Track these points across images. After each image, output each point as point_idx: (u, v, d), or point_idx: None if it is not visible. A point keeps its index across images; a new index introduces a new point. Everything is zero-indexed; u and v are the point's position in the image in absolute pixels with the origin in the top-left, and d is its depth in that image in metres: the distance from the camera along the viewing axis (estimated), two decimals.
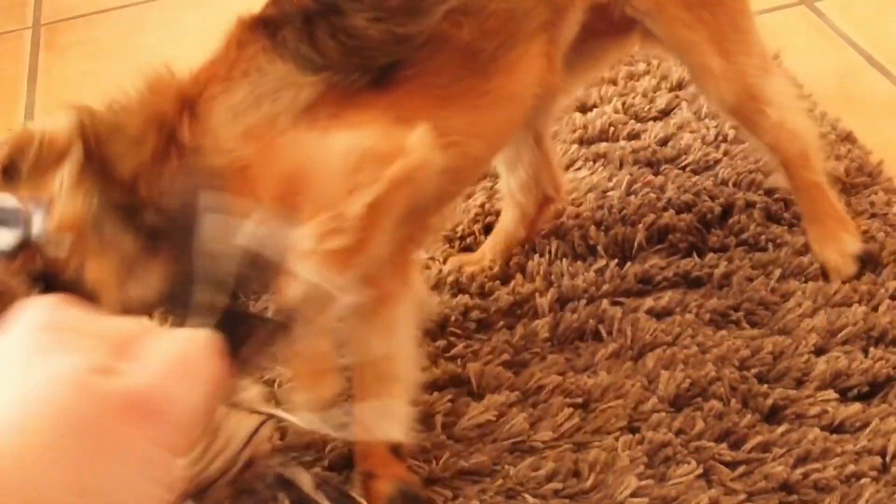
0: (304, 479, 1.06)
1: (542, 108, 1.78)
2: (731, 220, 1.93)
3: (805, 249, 1.86)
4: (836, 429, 1.57)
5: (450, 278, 1.90)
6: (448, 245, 2.00)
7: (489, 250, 1.95)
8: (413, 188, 1.39)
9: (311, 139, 1.37)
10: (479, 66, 1.47)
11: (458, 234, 2.02)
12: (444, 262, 1.95)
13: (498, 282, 1.89)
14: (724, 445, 1.56)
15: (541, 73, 1.54)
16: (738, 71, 1.68)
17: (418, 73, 1.43)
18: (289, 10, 1.44)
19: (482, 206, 2.05)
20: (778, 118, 1.73)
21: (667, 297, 1.80)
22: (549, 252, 1.93)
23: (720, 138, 2.14)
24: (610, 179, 2.06)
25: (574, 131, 2.21)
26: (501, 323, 1.82)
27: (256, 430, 0.98)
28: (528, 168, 1.89)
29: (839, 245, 1.81)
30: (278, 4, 1.47)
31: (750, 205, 1.95)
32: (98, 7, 3.12)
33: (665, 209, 1.97)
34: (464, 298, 1.86)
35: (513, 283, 1.88)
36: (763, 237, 1.89)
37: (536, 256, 1.92)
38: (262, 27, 1.44)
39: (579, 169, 2.11)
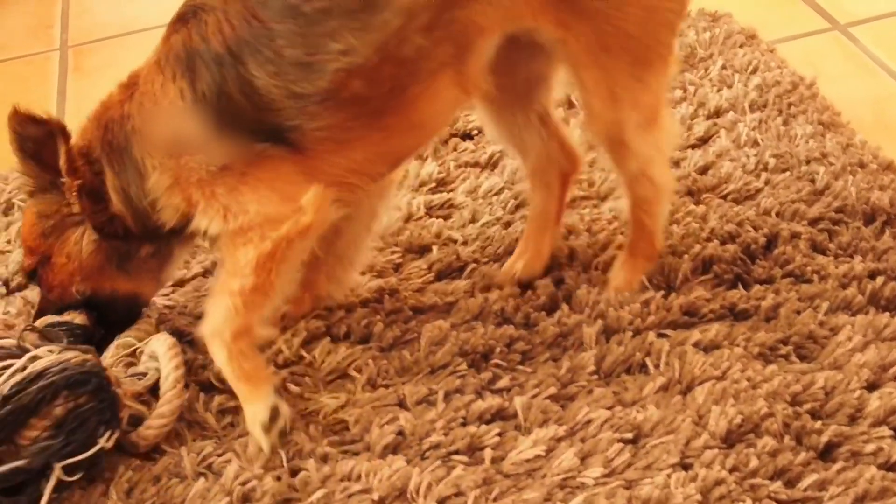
0: None
1: (536, 92, 1.87)
2: (775, 252, 1.92)
3: (850, 281, 1.84)
4: (893, 467, 1.55)
5: (495, 307, 1.88)
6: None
7: (531, 241, 1.99)
8: (303, 241, 1.66)
9: (220, 192, 1.62)
10: (370, 111, 1.62)
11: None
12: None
13: (543, 312, 1.88)
14: (779, 483, 1.54)
15: (452, 99, 1.67)
16: (617, 121, 1.71)
17: (319, 126, 1.60)
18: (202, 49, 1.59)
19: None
20: (638, 168, 1.78)
21: (714, 330, 1.78)
22: (593, 282, 1.91)
23: (760, 167, 2.13)
24: None
25: None
26: (546, 355, 1.80)
27: None
28: (539, 150, 1.93)
29: (633, 274, 1.89)
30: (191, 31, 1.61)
31: (794, 235, 1.94)
32: (124, 29, 3.11)
33: (709, 239, 1.95)
34: (508, 329, 1.84)
35: (557, 313, 1.86)
36: (809, 269, 1.88)
37: (584, 285, 1.90)
38: (181, 59, 1.61)
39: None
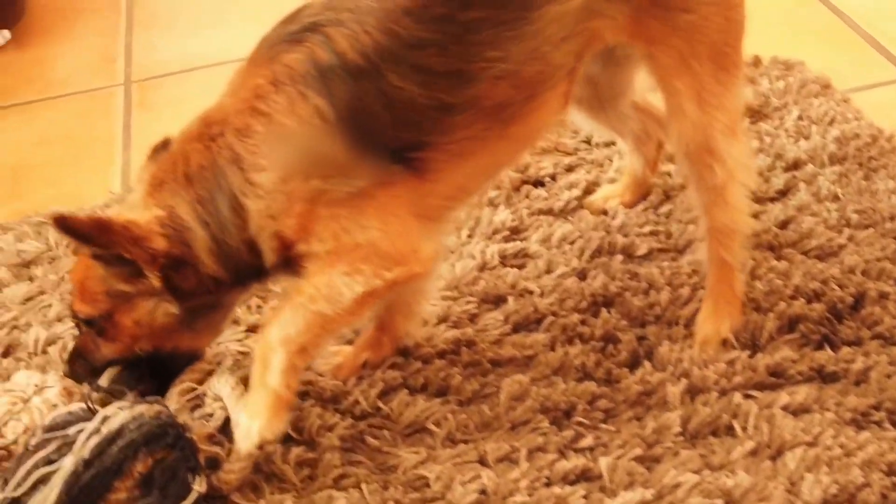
0: None
1: (620, 92, 2.03)
2: (863, 312, 1.88)
3: None
4: None
5: (576, 362, 1.86)
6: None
7: (621, 187, 2.23)
8: (407, 287, 1.69)
9: (344, 213, 1.57)
10: (503, 118, 1.63)
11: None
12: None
13: (625, 368, 1.85)
14: None
15: (557, 110, 1.73)
16: (707, 122, 1.76)
17: (451, 139, 1.60)
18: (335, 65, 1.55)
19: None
20: (721, 180, 1.79)
21: (803, 393, 1.75)
22: (674, 338, 1.88)
23: (843, 222, 2.09)
24: None
25: (689, 211, 2.16)
26: (630, 413, 1.77)
27: None
28: (636, 131, 2.11)
29: (719, 324, 1.88)
30: (324, 50, 1.55)
31: (882, 296, 1.90)
32: (188, 65, 3.11)
33: (793, 297, 1.92)
34: (590, 385, 1.81)
35: (640, 370, 1.83)
36: None
37: (666, 342, 1.87)
38: (309, 76, 1.54)
39: (699, 250, 2.06)
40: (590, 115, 2.07)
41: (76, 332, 1.80)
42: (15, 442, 1.72)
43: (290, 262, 1.65)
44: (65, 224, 1.55)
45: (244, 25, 3.26)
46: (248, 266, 1.65)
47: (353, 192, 1.58)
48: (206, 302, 1.69)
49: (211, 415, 1.76)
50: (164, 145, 1.75)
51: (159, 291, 1.63)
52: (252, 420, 1.63)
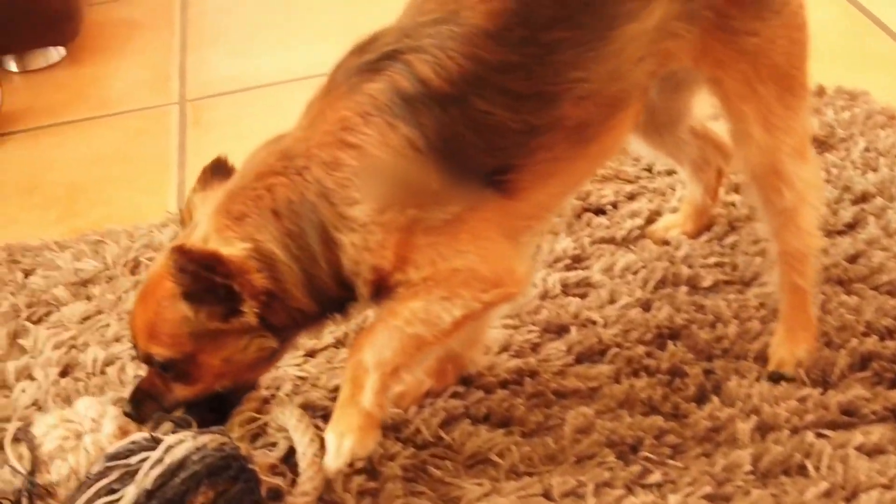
0: None
1: (680, 115, 2.02)
2: None
3: None
4: None
5: (642, 395, 1.82)
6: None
7: (682, 217, 2.20)
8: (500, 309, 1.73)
9: (441, 241, 1.57)
10: (584, 138, 1.64)
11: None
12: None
13: (693, 403, 1.81)
14: None
15: (630, 128, 1.75)
16: (774, 145, 1.74)
17: (536, 160, 1.60)
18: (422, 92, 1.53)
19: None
20: (791, 203, 1.77)
21: (877, 434, 1.70)
22: (742, 372, 1.84)
23: None
24: None
25: (755, 242, 2.13)
26: (698, 450, 1.73)
27: None
28: (695, 157, 2.09)
29: (794, 348, 1.86)
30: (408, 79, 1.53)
31: None
32: (243, 85, 3.12)
33: (866, 334, 1.88)
34: (657, 420, 1.78)
35: (708, 406, 1.80)
36: None
37: (734, 377, 1.83)
38: (395, 105, 1.53)
39: (766, 283, 2.02)
40: (647, 141, 2.05)
41: (138, 365, 1.77)
42: (57, 483, 1.69)
43: (380, 292, 1.63)
44: (187, 255, 1.51)
45: (299, 46, 3.26)
46: (336, 298, 1.64)
47: (447, 219, 1.57)
48: (292, 335, 1.68)
49: (274, 444, 1.74)
50: (217, 167, 1.73)
51: (255, 328, 1.60)
52: (343, 438, 1.59)
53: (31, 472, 1.66)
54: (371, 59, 1.57)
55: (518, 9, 1.55)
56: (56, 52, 3.35)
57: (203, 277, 1.53)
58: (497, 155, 1.58)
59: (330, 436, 1.60)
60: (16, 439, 1.72)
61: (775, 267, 1.86)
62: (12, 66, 3.32)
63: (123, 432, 1.70)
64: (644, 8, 1.60)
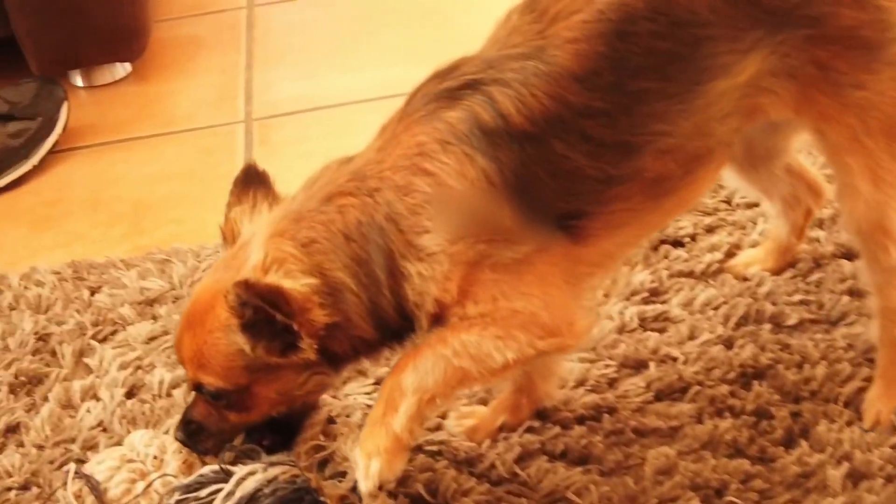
0: None
1: (777, 154, 1.96)
2: None
3: None
4: None
5: (726, 437, 1.76)
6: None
7: (763, 252, 2.13)
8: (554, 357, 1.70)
9: (506, 279, 1.52)
10: (661, 191, 1.59)
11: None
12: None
13: (781, 447, 1.74)
14: None
15: (711, 183, 1.73)
16: (882, 200, 1.67)
17: (610, 210, 1.56)
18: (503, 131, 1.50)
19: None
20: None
21: None
22: (832, 416, 1.77)
23: None
24: None
25: (842, 280, 2.06)
26: (787, 496, 1.67)
27: None
28: (785, 194, 2.03)
29: (892, 404, 1.78)
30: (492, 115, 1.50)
31: None
32: (310, 105, 3.09)
33: None
34: (742, 463, 1.72)
35: (797, 450, 1.73)
36: None
37: (823, 421, 1.76)
38: (473, 137, 1.49)
39: (853, 322, 1.95)
40: (740, 173, 1.99)
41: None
42: None
43: (437, 323, 1.58)
44: (252, 289, 1.46)
45: (366, 67, 3.23)
46: (396, 329, 1.59)
47: (515, 258, 1.53)
48: (350, 363, 1.63)
49: (343, 474, 1.69)
50: (249, 176, 1.69)
51: (313, 363, 1.56)
52: (371, 459, 1.54)
53: None
54: (452, 86, 1.53)
55: (607, 53, 1.51)
56: (122, 68, 3.34)
57: (265, 313, 1.48)
58: (570, 200, 1.54)
59: (358, 454, 1.55)
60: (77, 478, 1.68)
61: (874, 320, 1.79)
62: (78, 81, 3.31)
63: (188, 466, 1.66)
64: (737, 63, 1.55)
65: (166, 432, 1.81)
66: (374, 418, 1.56)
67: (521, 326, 1.54)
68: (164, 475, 1.64)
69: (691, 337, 1.99)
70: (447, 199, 1.51)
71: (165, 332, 2.19)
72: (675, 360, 1.95)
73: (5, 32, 3.17)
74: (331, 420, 1.82)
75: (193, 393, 1.66)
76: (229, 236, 1.67)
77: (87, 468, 1.68)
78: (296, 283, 1.50)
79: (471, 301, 1.53)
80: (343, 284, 1.52)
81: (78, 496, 1.65)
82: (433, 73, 1.58)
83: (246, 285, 1.46)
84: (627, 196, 1.56)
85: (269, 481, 1.54)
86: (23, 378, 2.10)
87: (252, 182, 1.69)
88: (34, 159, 2.87)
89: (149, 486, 1.64)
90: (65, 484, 1.76)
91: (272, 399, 1.60)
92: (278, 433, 1.69)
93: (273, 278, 1.51)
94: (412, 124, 1.54)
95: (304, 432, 1.72)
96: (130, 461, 1.68)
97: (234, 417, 1.63)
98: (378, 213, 1.52)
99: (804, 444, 1.74)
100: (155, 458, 1.69)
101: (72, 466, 1.71)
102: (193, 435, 1.65)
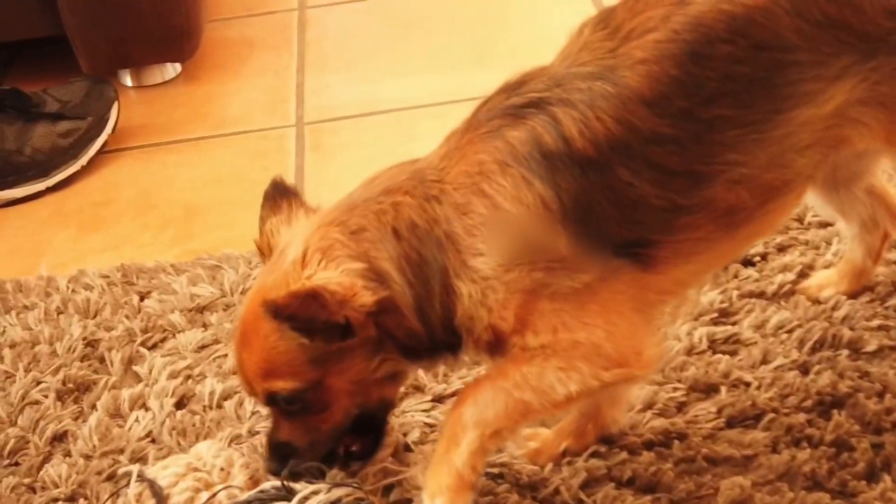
0: None
1: (859, 177, 1.86)
2: None
3: None
4: None
5: (804, 468, 1.67)
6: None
7: (837, 275, 2.02)
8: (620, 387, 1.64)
9: (566, 308, 1.46)
10: (733, 222, 1.52)
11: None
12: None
13: (862, 480, 1.66)
14: None
15: (788, 213, 1.67)
16: None
17: (678, 239, 1.50)
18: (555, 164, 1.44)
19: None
20: None
21: None
22: None
23: None
24: None
25: None
26: None
27: None
28: (864, 217, 1.92)
29: None
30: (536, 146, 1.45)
31: None
32: (363, 110, 3.02)
33: None
34: (822, 497, 1.63)
35: (880, 485, 1.64)
36: None
37: None
38: (533, 160, 1.44)
39: None
40: (816, 191, 1.89)
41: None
42: None
43: (494, 349, 1.53)
44: (281, 309, 1.42)
45: (420, 73, 3.17)
46: (442, 338, 1.54)
47: (575, 287, 1.46)
48: (413, 354, 1.57)
49: (409, 501, 1.63)
50: (278, 189, 1.64)
51: (378, 345, 1.51)
52: (435, 499, 1.50)
53: None
54: (517, 103, 1.49)
55: (680, 77, 1.45)
56: (172, 69, 3.29)
57: (306, 321, 1.44)
58: (633, 228, 1.48)
59: (423, 495, 1.52)
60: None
61: None
62: (128, 80, 3.27)
63: (255, 482, 1.60)
64: (823, 91, 1.48)
65: (231, 442, 1.74)
66: (437, 456, 1.53)
67: (583, 358, 1.48)
68: (230, 486, 1.59)
69: (764, 361, 1.91)
70: (502, 223, 1.46)
71: (216, 341, 2.13)
72: (747, 385, 1.86)
73: (56, 31, 3.13)
74: (407, 447, 1.78)
75: (270, 417, 1.61)
76: (266, 250, 1.61)
77: (150, 472, 1.64)
78: (335, 273, 1.45)
79: (530, 331, 1.48)
80: (388, 275, 1.48)
81: (138, 500, 1.59)
82: (501, 86, 1.54)
83: (276, 306, 1.42)
84: (697, 226, 1.50)
85: (333, 503, 1.48)
86: (70, 385, 2.05)
87: (281, 194, 1.64)
88: (83, 159, 2.82)
89: (213, 496, 1.58)
90: (114, 495, 1.72)
91: (348, 390, 1.54)
92: (364, 436, 1.63)
93: (311, 270, 1.46)
94: (476, 139, 1.50)
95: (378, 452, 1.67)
96: (196, 470, 1.63)
97: (318, 423, 1.56)
98: (437, 226, 1.48)
99: (887, 478, 1.65)
100: (222, 469, 1.64)
101: (135, 468, 1.66)
102: (285, 459, 1.57)
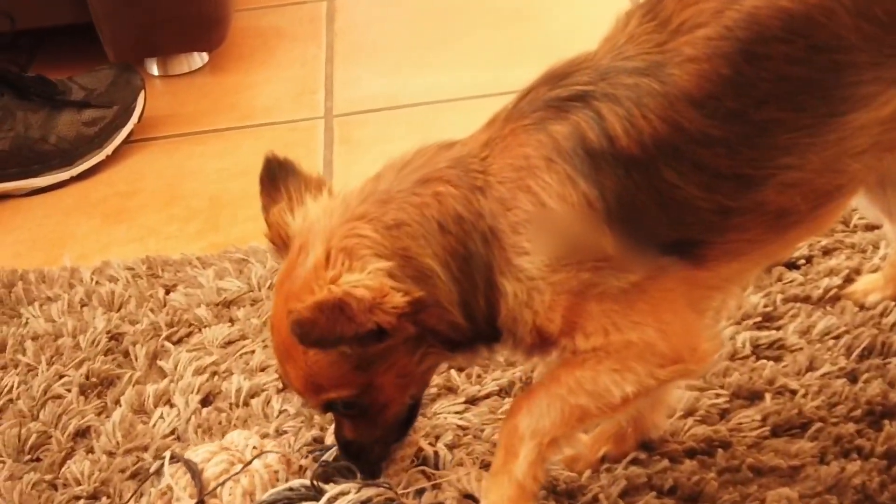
0: None
1: None
2: None
3: None
4: None
5: (854, 481, 1.61)
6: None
7: (883, 279, 1.96)
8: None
9: (616, 308, 1.41)
10: (783, 225, 1.47)
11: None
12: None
13: None
14: None
15: (840, 212, 1.60)
16: None
17: (726, 240, 1.45)
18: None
19: None
20: None
21: None
22: None
23: None
24: None
25: None
26: None
27: None
28: None
29: None
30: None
31: None
32: (393, 103, 2.97)
33: None
34: None
35: None
36: None
37: None
38: (576, 157, 1.38)
39: None
40: (866, 192, 1.82)
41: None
42: None
43: (540, 350, 1.48)
44: (303, 334, 1.34)
45: (450, 67, 3.11)
46: (486, 332, 1.47)
47: (624, 287, 1.41)
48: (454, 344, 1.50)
49: None
50: (272, 168, 1.55)
51: (418, 339, 1.44)
52: None
53: (200, 501, 1.53)
54: (561, 95, 1.42)
55: (732, 77, 1.38)
56: (199, 58, 3.24)
57: (334, 340, 1.36)
58: (680, 229, 1.43)
59: None
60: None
61: None
62: (154, 69, 3.22)
63: (287, 460, 1.56)
64: (881, 93, 1.41)
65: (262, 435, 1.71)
66: (495, 468, 1.48)
67: (638, 357, 1.43)
68: (267, 452, 1.58)
69: (810, 368, 1.84)
70: (547, 221, 1.40)
71: (243, 337, 2.08)
72: (793, 392, 1.80)
73: (83, 18, 3.09)
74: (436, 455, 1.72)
75: (333, 419, 1.59)
76: (279, 241, 1.53)
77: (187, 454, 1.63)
78: (361, 275, 1.37)
79: (580, 334, 1.43)
80: (432, 272, 1.41)
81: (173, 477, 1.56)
82: (545, 76, 1.47)
83: (301, 330, 1.33)
84: (746, 228, 1.45)
85: (363, 503, 1.43)
86: (94, 379, 2.00)
87: (278, 175, 1.55)
88: (108, 149, 2.78)
89: (248, 464, 1.56)
90: (136, 494, 1.68)
91: (399, 384, 1.49)
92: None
93: (334, 272, 1.37)
94: (519, 130, 1.44)
95: (399, 461, 1.62)
96: (228, 449, 1.62)
97: (378, 418, 1.52)
98: (483, 220, 1.42)
99: None
100: (254, 447, 1.61)
101: (168, 453, 1.63)
102: (359, 456, 1.55)
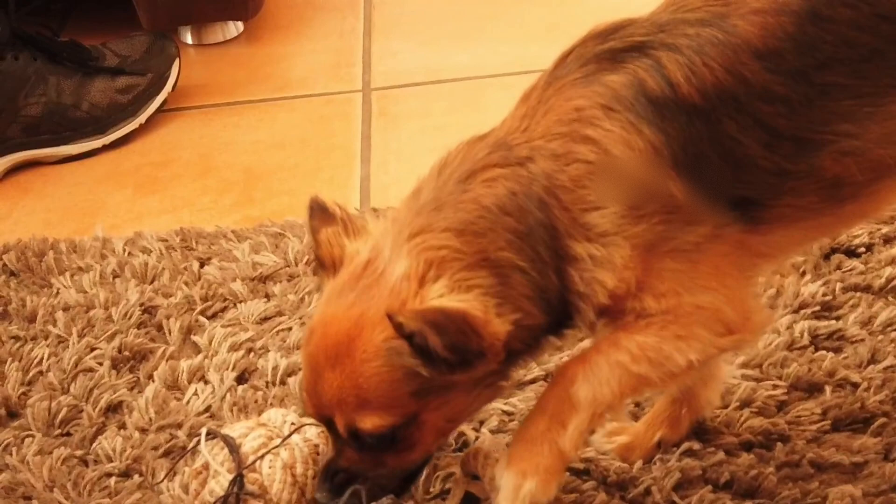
0: None
1: None
2: None
3: None
4: None
5: None
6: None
7: None
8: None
9: (685, 270, 1.35)
10: (838, 196, 1.42)
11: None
12: None
13: None
14: None
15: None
16: None
17: (781, 204, 1.39)
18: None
19: None
20: None
21: None
22: None
23: None
24: None
25: None
26: None
27: None
28: None
29: None
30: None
31: None
32: (432, 77, 2.89)
33: None
34: None
35: None
36: None
37: None
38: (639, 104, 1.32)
39: None
40: None
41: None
42: (272, 478, 1.50)
43: (602, 316, 1.38)
44: (428, 322, 1.25)
45: (490, 41, 3.03)
46: (559, 317, 1.39)
47: (695, 242, 1.34)
48: (522, 361, 1.44)
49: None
50: (321, 207, 1.46)
51: (491, 373, 1.35)
52: (525, 478, 1.36)
53: (239, 474, 1.47)
54: (616, 47, 1.36)
55: (796, 35, 1.34)
56: (234, 27, 3.18)
57: (456, 346, 1.26)
58: (741, 187, 1.37)
59: (507, 474, 1.37)
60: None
61: None
62: (188, 38, 3.16)
63: (326, 437, 1.47)
64: None
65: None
66: (533, 434, 1.38)
67: (703, 324, 1.37)
68: (306, 425, 1.52)
69: (873, 360, 1.77)
70: (615, 169, 1.32)
71: (280, 313, 2.02)
72: (854, 385, 1.73)
73: None
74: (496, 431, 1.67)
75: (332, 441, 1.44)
76: (329, 261, 1.42)
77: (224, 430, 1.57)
78: (468, 297, 1.29)
79: (649, 295, 1.35)
80: (509, 263, 1.33)
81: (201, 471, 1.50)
82: (590, 33, 1.40)
83: (434, 325, 1.25)
84: (802, 193, 1.39)
85: None
86: (126, 353, 1.94)
87: (327, 212, 1.46)
88: (141, 117, 2.71)
89: (287, 438, 1.51)
90: (170, 472, 1.62)
91: (441, 428, 1.40)
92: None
93: (436, 291, 1.29)
94: (565, 87, 1.36)
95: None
96: (265, 426, 1.56)
97: (394, 459, 1.40)
98: (535, 184, 1.33)
99: None
100: (292, 424, 1.55)
101: (203, 429, 1.57)
102: (343, 488, 1.40)
